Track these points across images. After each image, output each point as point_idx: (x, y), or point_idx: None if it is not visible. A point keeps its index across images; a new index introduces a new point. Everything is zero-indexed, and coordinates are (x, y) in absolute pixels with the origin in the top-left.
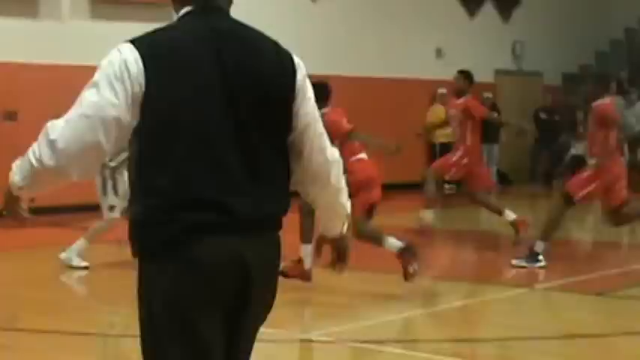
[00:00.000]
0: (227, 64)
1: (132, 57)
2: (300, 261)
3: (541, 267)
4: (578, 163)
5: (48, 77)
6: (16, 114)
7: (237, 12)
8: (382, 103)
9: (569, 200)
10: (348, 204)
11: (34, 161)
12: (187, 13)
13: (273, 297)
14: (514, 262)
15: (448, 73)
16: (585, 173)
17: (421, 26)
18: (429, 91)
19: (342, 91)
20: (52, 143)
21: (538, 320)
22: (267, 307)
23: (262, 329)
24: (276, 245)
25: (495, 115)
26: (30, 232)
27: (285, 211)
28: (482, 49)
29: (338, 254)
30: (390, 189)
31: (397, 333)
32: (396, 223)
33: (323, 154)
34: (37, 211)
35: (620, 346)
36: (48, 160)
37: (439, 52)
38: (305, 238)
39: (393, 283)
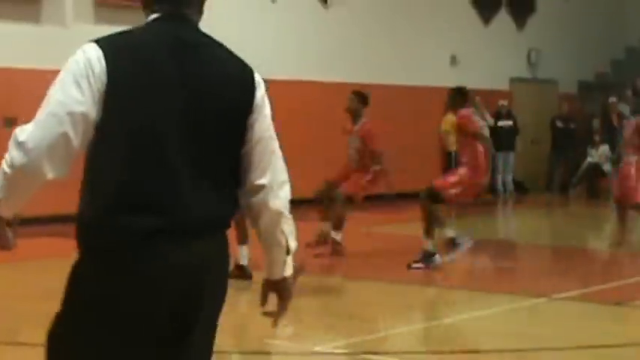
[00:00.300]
0: (186, 71)
1: (95, 56)
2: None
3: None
4: (595, 171)
5: (50, 83)
6: (17, 120)
7: (250, 18)
8: (396, 111)
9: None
10: (292, 236)
11: (6, 168)
12: (155, 20)
13: (224, 299)
14: (413, 265)
15: (463, 81)
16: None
17: (435, 33)
18: (443, 99)
19: None
20: (21, 145)
21: (555, 330)
22: (218, 309)
23: (276, 342)
24: (222, 247)
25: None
26: (30, 243)
27: (228, 216)
28: (497, 56)
29: (278, 301)
30: (404, 198)
31: (410, 345)
32: (410, 233)
33: (267, 174)
34: (38, 220)
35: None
36: (19, 160)
37: (454, 60)
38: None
39: (407, 294)
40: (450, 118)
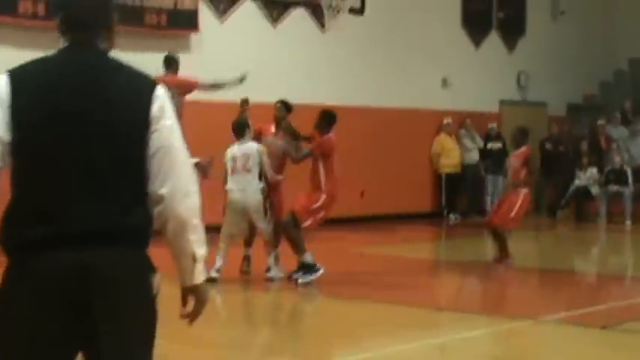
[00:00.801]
0: (84, 93)
1: (3, 83)
2: None
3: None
4: (582, 193)
5: None
6: None
7: (248, 43)
8: (388, 133)
9: None
10: (198, 244)
11: None
12: (64, 47)
13: (144, 310)
14: (300, 280)
15: (454, 104)
16: None
17: (426, 56)
18: (434, 121)
19: (347, 121)
20: None
21: (541, 353)
22: (136, 320)
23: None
24: (122, 257)
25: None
26: None
27: (131, 228)
28: (487, 79)
29: (194, 305)
30: (398, 219)
31: None
32: (402, 254)
33: (167, 184)
34: None
35: None
36: None
37: (445, 82)
38: None
39: (397, 314)
40: (443, 140)
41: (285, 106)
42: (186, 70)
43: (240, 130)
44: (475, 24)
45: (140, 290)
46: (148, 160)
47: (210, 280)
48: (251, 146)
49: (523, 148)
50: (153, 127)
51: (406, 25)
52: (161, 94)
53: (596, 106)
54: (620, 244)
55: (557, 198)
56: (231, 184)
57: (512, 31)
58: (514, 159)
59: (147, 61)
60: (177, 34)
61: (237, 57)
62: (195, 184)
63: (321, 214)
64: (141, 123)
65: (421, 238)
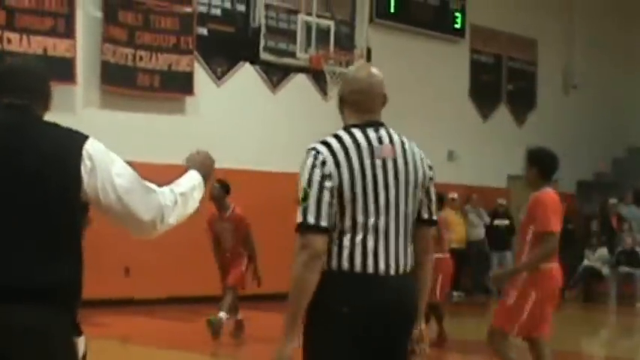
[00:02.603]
0: (9, 151)
1: None
2: None
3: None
4: (591, 274)
5: None
6: None
7: (245, 109)
8: None
9: None
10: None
11: None
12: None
13: None
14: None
15: (460, 178)
16: None
17: (432, 127)
18: (438, 195)
19: None
20: None
21: None
22: None
23: None
24: (39, 317)
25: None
26: None
27: (51, 286)
28: (495, 153)
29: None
30: None
31: None
32: None
33: (150, 212)
34: None
35: None
36: None
37: (451, 155)
38: None
39: None
40: (448, 214)
41: (223, 187)
42: (181, 133)
43: None
44: (483, 96)
45: (58, 352)
46: (109, 212)
47: None
48: None
49: None
50: (86, 179)
51: (411, 94)
52: (92, 148)
53: (608, 183)
54: (629, 326)
55: (566, 278)
56: None
57: (522, 104)
58: None
59: (140, 122)
60: (171, 96)
61: (235, 123)
62: (156, 191)
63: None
64: (67, 181)
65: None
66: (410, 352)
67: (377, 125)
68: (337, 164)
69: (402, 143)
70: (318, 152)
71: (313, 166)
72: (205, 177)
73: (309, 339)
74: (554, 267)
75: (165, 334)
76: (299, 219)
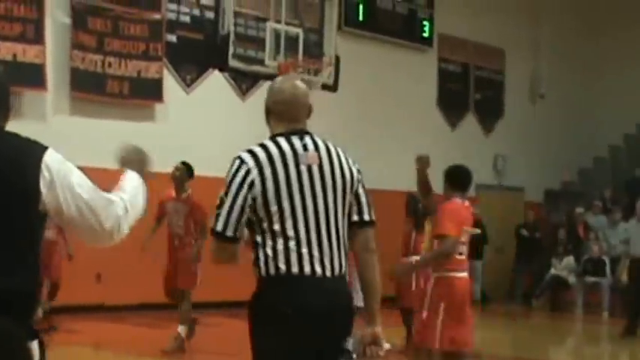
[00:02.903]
0: None
1: None
2: None
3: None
4: (558, 282)
5: None
6: None
7: (215, 116)
8: None
9: None
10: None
11: None
12: None
13: None
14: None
15: None
16: None
17: (400, 135)
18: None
19: None
20: None
21: None
22: None
23: None
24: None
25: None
26: None
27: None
28: (463, 161)
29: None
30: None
31: None
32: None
33: (108, 221)
34: None
35: None
36: None
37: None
38: None
39: None
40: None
41: (188, 169)
42: (151, 140)
43: None
44: (451, 105)
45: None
46: (71, 221)
47: None
48: None
49: None
50: (45, 191)
51: (379, 102)
52: (51, 160)
53: (575, 192)
54: (596, 335)
55: (533, 286)
56: None
57: (490, 113)
58: None
59: (110, 129)
60: (140, 103)
61: (204, 130)
62: (113, 202)
63: None
64: (25, 193)
65: (387, 324)
66: (361, 355)
67: (302, 133)
68: (261, 173)
69: (328, 149)
70: (242, 162)
71: (234, 176)
72: (141, 173)
73: (256, 340)
74: (457, 276)
75: (136, 340)
76: (211, 224)
